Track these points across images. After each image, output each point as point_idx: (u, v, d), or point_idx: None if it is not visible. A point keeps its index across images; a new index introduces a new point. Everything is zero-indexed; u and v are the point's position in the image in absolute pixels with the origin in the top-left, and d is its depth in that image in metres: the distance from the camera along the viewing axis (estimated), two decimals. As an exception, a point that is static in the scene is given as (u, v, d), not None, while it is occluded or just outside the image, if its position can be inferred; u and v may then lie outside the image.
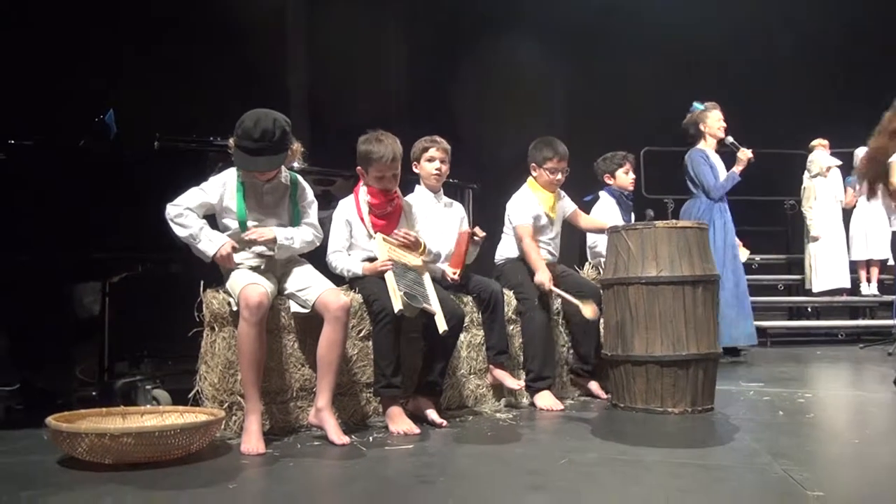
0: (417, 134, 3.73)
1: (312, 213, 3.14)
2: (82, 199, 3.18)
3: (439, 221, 3.69)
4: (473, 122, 7.10)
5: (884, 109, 3.94)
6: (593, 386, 3.91)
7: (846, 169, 7.47)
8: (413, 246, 3.29)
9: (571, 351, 3.97)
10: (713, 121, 5.27)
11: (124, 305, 3.49)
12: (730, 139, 5.32)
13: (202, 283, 2.93)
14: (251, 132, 2.81)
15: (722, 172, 5.31)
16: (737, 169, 5.24)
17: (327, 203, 3.56)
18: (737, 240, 5.38)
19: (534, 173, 3.98)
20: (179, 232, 2.87)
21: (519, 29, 7.97)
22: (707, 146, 5.30)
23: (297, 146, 2.98)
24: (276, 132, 2.84)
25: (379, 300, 3.07)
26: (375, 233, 3.27)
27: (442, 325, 3.06)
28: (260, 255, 2.95)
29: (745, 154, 5.22)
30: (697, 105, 5.32)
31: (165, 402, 3.25)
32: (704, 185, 5.21)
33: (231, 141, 2.90)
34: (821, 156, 7.34)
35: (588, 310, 3.46)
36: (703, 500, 2.09)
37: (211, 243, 2.86)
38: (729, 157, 5.40)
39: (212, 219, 2.98)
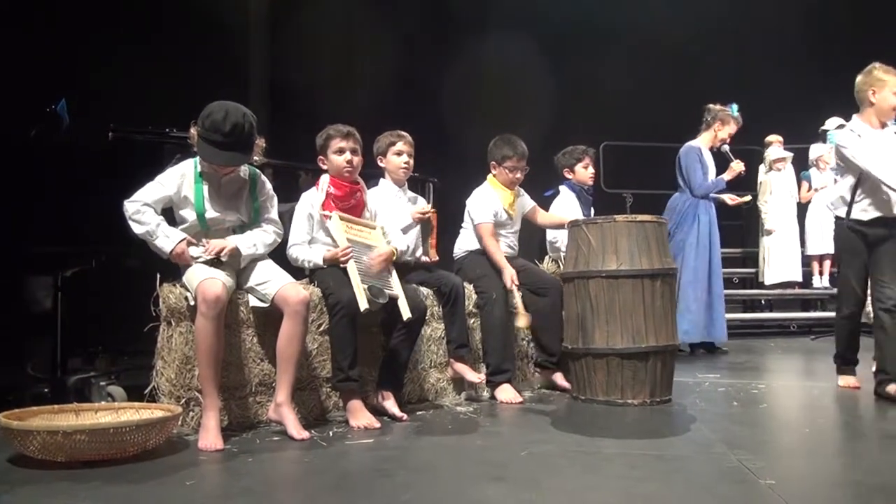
0: (381, 129, 3.71)
1: (273, 209, 3.11)
2: (32, 191, 3.11)
3: (404, 216, 3.67)
4: (436, 117, 7.08)
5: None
6: (558, 377, 3.93)
7: (801, 164, 7.63)
8: (387, 259, 3.26)
9: (532, 344, 4.00)
10: (727, 130, 5.42)
11: (78, 300, 3.42)
12: (726, 148, 5.47)
13: (159, 276, 2.88)
14: (220, 125, 2.77)
15: (711, 172, 5.43)
16: (726, 176, 5.41)
17: (288, 197, 3.53)
18: None
19: (493, 171, 3.99)
20: (137, 229, 2.82)
21: (485, 26, 7.98)
22: (704, 143, 5.43)
23: (259, 141, 2.96)
24: (246, 127, 2.82)
25: (334, 293, 3.05)
26: (332, 212, 3.23)
27: (406, 312, 3.06)
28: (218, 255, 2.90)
29: (738, 166, 5.41)
30: (735, 108, 5.45)
31: (120, 398, 3.19)
32: (692, 181, 5.35)
33: (193, 131, 2.85)
34: (776, 152, 7.48)
35: (521, 321, 3.62)
36: (660, 490, 2.13)
37: (167, 240, 2.82)
38: (719, 159, 5.53)
39: (169, 211, 2.93)
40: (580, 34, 8.16)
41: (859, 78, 3.63)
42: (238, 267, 2.95)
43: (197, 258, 2.86)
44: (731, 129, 5.44)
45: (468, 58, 7.61)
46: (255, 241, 2.97)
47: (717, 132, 5.42)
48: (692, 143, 5.47)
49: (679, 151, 5.47)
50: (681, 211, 5.37)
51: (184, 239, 2.83)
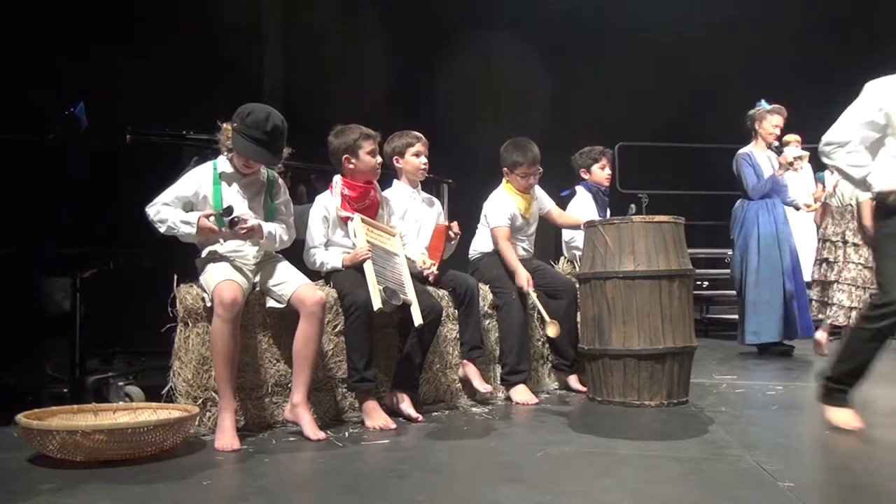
0: (392, 129, 3.71)
1: (287, 213, 3.13)
2: (50, 193, 3.14)
3: (419, 216, 3.67)
4: (449, 118, 7.08)
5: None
6: (573, 380, 3.91)
7: (818, 164, 7.56)
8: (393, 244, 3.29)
9: (547, 345, 3.99)
10: (768, 124, 5.42)
11: (96, 301, 3.44)
12: (775, 144, 5.49)
13: (176, 277, 2.90)
14: (262, 124, 2.82)
15: (769, 173, 5.45)
16: (778, 172, 5.42)
17: (301, 198, 3.54)
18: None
19: (506, 177, 3.98)
20: (161, 228, 2.87)
21: (495, 26, 7.96)
22: (757, 147, 5.47)
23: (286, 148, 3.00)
24: (283, 131, 2.89)
25: (349, 294, 3.06)
26: (353, 214, 3.25)
27: (417, 319, 3.07)
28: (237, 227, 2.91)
29: (784, 158, 5.42)
30: (764, 103, 5.46)
31: (138, 398, 3.22)
32: (746, 185, 5.40)
33: (228, 125, 2.89)
34: (792, 151, 7.43)
35: (551, 330, 3.59)
36: (676, 492, 2.11)
37: (189, 225, 2.84)
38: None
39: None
40: (593, 33, 8.13)
41: None
42: (255, 245, 2.96)
43: (224, 241, 2.88)
44: (773, 121, 5.42)
45: (477, 57, 7.59)
46: (274, 230, 3.00)
47: (761, 132, 5.44)
48: (742, 149, 5.50)
49: (734, 157, 5.52)
50: (740, 215, 5.45)
51: (199, 215, 2.84)
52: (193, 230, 2.83)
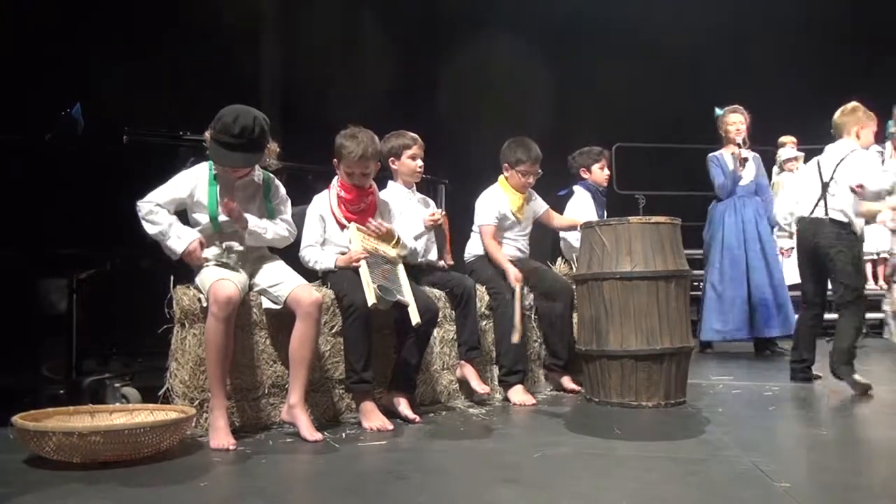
0: (391, 129, 3.71)
1: (286, 211, 3.13)
2: (47, 194, 3.13)
3: (415, 217, 3.67)
4: (448, 118, 7.08)
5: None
6: (565, 381, 3.93)
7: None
8: (386, 237, 3.29)
9: (543, 345, 3.99)
10: (725, 124, 5.57)
11: (93, 302, 3.44)
12: (738, 140, 5.57)
13: (172, 279, 2.89)
14: (230, 127, 2.79)
15: (748, 173, 5.55)
16: (737, 168, 5.53)
17: (301, 198, 3.53)
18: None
19: (506, 173, 3.98)
20: (149, 229, 2.85)
21: (494, 26, 7.97)
22: (726, 149, 5.59)
23: (273, 146, 2.97)
24: (256, 129, 2.83)
25: (348, 295, 3.07)
26: (349, 223, 3.25)
27: (415, 318, 3.07)
28: (228, 251, 2.91)
29: (738, 154, 5.51)
30: (718, 110, 5.63)
31: (135, 399, 3.21)
32: (715, 186, 5.56)
33: (207, 134, 2.88)
34: (787, 152, 7.43)
35: (516, 336, 3.48)
36: (673, 492, 2.11)
37: (179, 240, 2.83)
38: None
39: (183, 214, 2.95)
40: (590, 34, 8.13)
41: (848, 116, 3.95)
42: (243, 242, 2.96)
43: (209, 260, 2.87)
44: (730, 119, 5.53)
45: (476, 58, 7.60)
46: (266, 225, 2.99)
47: (724, 134, 5.57)
48: (713, 152, 5.64)
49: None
50: (710, 216, 5.63)
51: (195, 238, 2.85)
52: (180, 249, 2.82)
